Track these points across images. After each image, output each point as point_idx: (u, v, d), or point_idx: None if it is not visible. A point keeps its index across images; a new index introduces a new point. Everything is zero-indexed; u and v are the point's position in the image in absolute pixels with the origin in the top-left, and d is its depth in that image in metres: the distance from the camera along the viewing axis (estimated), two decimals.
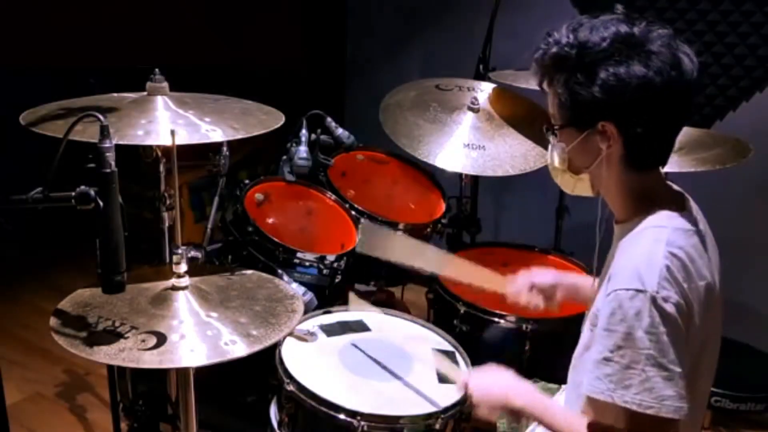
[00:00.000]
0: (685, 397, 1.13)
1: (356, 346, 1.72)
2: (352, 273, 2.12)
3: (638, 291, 1.13)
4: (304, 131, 2.18)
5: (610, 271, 1.23)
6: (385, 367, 1.65)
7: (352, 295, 1.78)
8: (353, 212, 2.18)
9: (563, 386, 1.53)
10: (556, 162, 1.33)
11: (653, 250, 1.17)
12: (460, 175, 2.38)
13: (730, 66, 2.81)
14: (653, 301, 1.12)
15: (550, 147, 1.35)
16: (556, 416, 1.30)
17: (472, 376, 1.49)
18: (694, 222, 1.26)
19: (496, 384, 1.42)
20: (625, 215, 1.30)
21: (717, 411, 2.06)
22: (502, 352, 1.98)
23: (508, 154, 2.19)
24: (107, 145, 1.17)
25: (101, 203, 1.16)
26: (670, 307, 1.13)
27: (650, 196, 1.26)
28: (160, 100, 1.56)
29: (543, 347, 1.91)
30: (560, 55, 1.21)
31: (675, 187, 1.35)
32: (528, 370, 1.78)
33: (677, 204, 1.27)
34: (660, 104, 1.18)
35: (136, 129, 1.44)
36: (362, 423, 1.44)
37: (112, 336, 1.29)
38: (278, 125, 1.62)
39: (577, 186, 1.35)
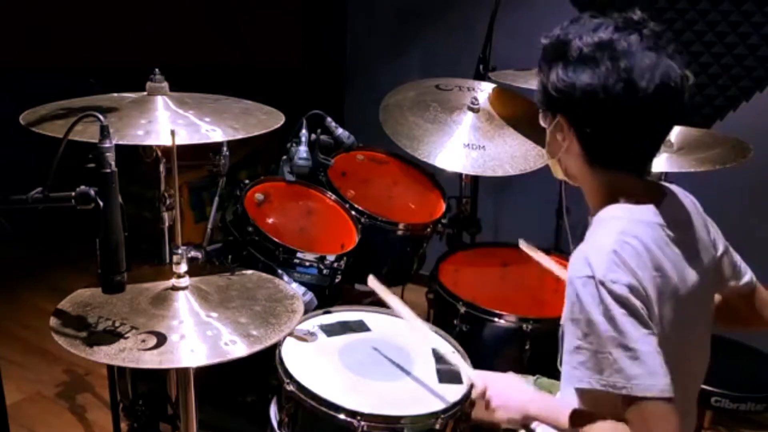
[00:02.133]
0: (658, 373, 1.14)
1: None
2: (352, 273, 2.12)
3: (588, 277, 1.16)
4: (304, 131, 2.18)
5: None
6: (384, 367, 1.65)
7: (371, 278, 1.77)
8: (353, 212, 2.18)
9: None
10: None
11: (604, 237, 1.21)
12: (460, 175, 2.38)
13: (730, 66, 2.80)
14: (602, 284, 1.15)
15: None
16: (563, 415, 1.30)
17: (490, 382, 1.47)
18: (664, 216, 1.26)
19: (515, 392, 1.42)
20: (594, 206, 1.32)
21: (717, 411, 2.06)
22: (502, 352, 1.98)
23: (508, 154, 2.19)
24: (107, 145, 1.17)
25: (101, 203, 1.16)
26: (620, 288, 1.15)
27: (619, 191, 1.28)
28: (160, 100, 1.56)
29: (543, 347, 1.90)
30: (543, 45, 1.29)
31: (662, 183, 1.36)
32: (528, 370, 1.79)
33: (649, 198, 1.28)
34: (605, 111, 1.21)
35: (136, 129, 1.44)
36: (362, 423, 1.44)
37: (112, 336, 1.29)
38: (278, 125, 1.62)
39: (557, 170, 1.39)
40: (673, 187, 1.38)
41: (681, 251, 1.27)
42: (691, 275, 1.28)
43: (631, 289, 1.16)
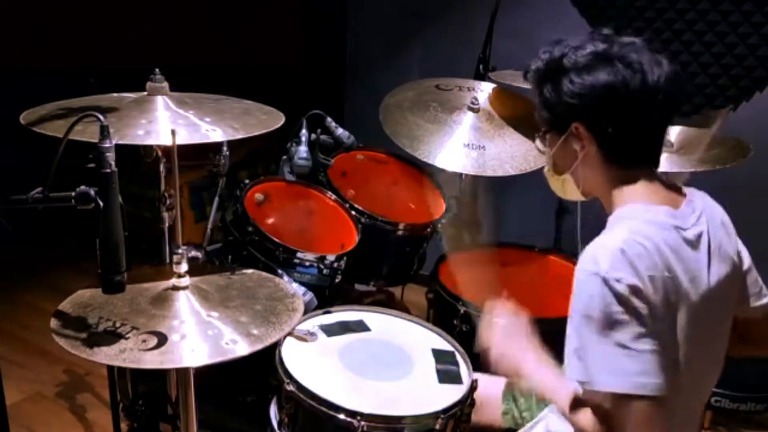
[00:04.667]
0: (651, 372, 1.15)
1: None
2: (352, 273, 2.12)
3: (593, 273, 1.17)
4: (304, 131, 2.18)
5: None
6: (384, 367, 1.66)
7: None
8: (353, 212, 2.18)
9: None
10: (545, 167, 1.44)
11: (615, 235, 1.22)
12: (460, 175, 2.38)
13: (730, 66, 2.81)
14: (605, 282, 1.16)
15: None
16: (558, 393, 1.31)
17: (498, 331, 1.47)
18: (680, 219, 1.27)
19: (514, 349, 1.42)
20: (612, 209, 1.33)
21: (717, 411, 2.06)
22: None
23: (508, 154, 2.19)
24: (107, 145, 1.17)
25: (101, 203, 1.16)
26: (622, 288, 1.15)
27: (635, 189, 1.30)
28: (160, 100, 1.56)
29: (543, 347, 1.91)
30: (535, 69, 1.34)
31: (680, 185, 1.36)
32: None
33: (666, 199, 1.30)
34: (625, 106, 1.25)
35: (136, 129, 1.44)
36: (362, 423, 1.44)
37: (112, 336, 1.29)
38: (278, 125, 1.62)
39: (566, 190, 1.42)
40: (701, 195, 1.38)
41: (696, 254, 1.27)
42: (707, 282, 1.28)
43: (634, 289, 1.16)
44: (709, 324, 1.32)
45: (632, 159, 1.31)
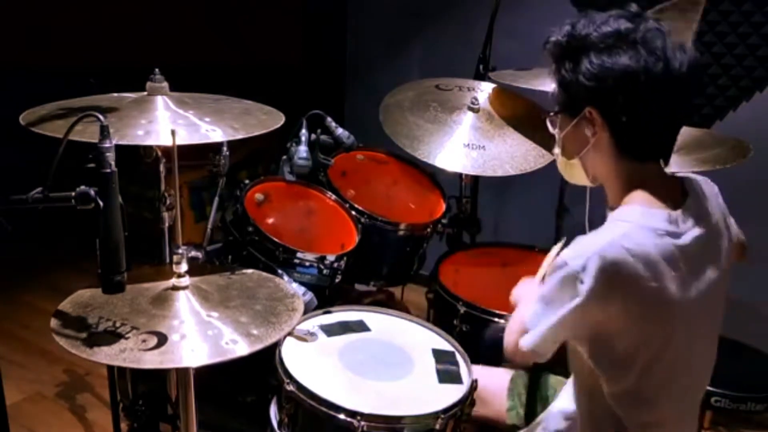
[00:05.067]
0: (537, 341, 1.27)
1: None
2: (352, 273, 2.12)
3: (566, 264, 1.21)
4: (304, 131, 2.18)
5: None
6: (384, 367, 1.66)
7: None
8: (353, 212, 2.18)
9: (568, 380, 1.54)
10: (555, 148, 1.41)
11: (604, 236, 1.22)
12: (460, 175, 2.38)
13: (730, 66, 2.80)
14: (573, 277, 1.20)
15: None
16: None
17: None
18: (678, 224, 1.25)
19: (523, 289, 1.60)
20: (616, 202, 1.32)
21: (717, 411, 2.06)
22: (503, 352, 1.98)
23: (508, 154, 2.19)
24: (107, 145, 1.17)
25: (101, 203, 1.16)
26: (583, 290, 1.19)
27: (641, 186, 1.28)
28: (160, 100, 1.56)
29: None
30: (555, 43, 1.28)
31: (685, 182, 1.35)
32: (528, 369, 1.79)
33: (668, 201, 1.27)
34: (643, 95, 1.21)
35: (136, 129, 1.44)
36: (362, 423, 1.44)
37: (112, 336, 1.29)
38: (278, 125, 1.62)
39: (573, 174, 1.40)
40: (696, 179, 1.37)
41: (694, 260, 1.26)
42: (703, 283, 1.28)
43: (594, 293, 1.19)
44: (702, 324, 1.33)
45: (644, 152, 1.28)
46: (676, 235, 1.24)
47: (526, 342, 1.30)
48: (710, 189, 1.38)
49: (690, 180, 1.35)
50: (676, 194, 1.31)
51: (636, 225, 1.23)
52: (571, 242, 1.26)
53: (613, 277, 1.18)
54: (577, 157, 1.35)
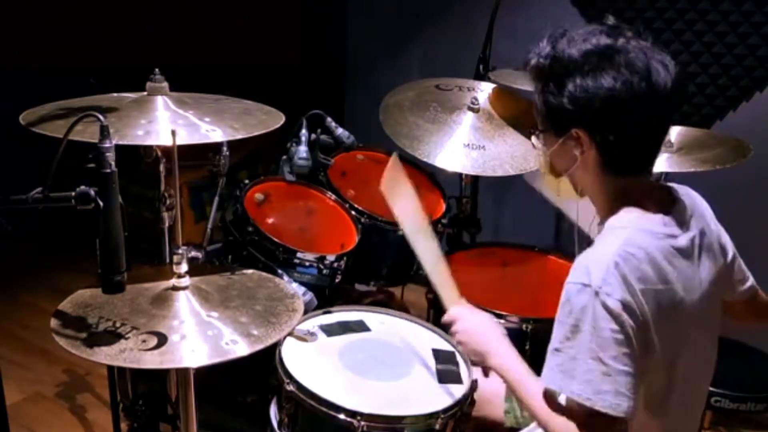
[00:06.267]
0: (625, 395, 1.15)
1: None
2: (352, 273, 2.12)
3: (585, 285, 1.17)
4: (304, 131, 2.18)
5: None
6: (384, 367, 1.65)
7: (394, 158, 1.75)
8: (353, 212, 2.18)
9: None
10: (540, 165, 1.41)
11: (607, 247, 1.20)
12: (460, 175, 2.38)
13: (730, 66, 2.81)
14: (596, 295, 1.15)
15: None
16: (526, 386, 1.32)
17: (462, 317, 1.53)
18: (673, 226, 1.25)
19: (483, 335, 1.47)
20: (605, 216, 1.31)
21: (717, 411, 2.06)
22: None
23: (508, 154, 2.19)
24: (107, 145, 1.17)
25: (101, 203, 1.16)
26: (613, 303, 1.14)
27: (629, 198, 1.28)
28: (160, 100, 1.56)
29: (543, 347, 1.90)
30: (537, 65, 1.28)
31: (672, 190, 1.35)
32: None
33: (659, 205, 1.27)
34: (629, 114, 1.20)
35: (136, 129, 1.44)
36: (362, 423, 1.44)
37: (112, 336, 1.29)
38: (278, 125, 1.62)
39: (562, 189, 1.39)
40: (685, 191, 1.37)
41: (689, 262, 1.26)
42: (699, 286, 1.28)
43: (625, 305, 1.15)
44: (704, 326, 1.32)
45: (631, 168, 1.28)
46: (673, 237, 1.24)
47: (614, 409, 1.14)
48: (695, 198, 1.38)
49: (676, 188, 1.36)
50: (665, 201, 1.31)
51: (635, 229, 1.22)
52: (572, 267, 1.22)
53: (631, 283, 1.16)
54: (565, 175, 1.35)
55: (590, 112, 1.21)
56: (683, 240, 1.26)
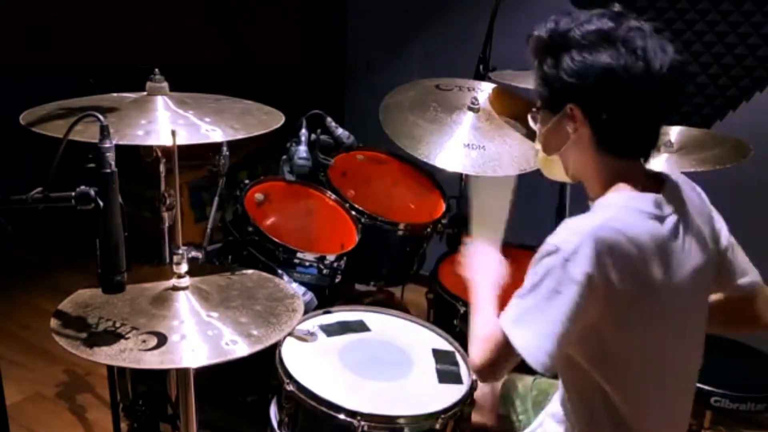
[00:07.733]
0: (547, 352, 1.19)
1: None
2: (352, 273, 2.12)
3: (557, 249, 1.19)
4: (304, 131, 2.18)
5: None
6: (384, 367, 1.66)
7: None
8: (353, 212, 2.18)
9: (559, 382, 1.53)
10: (536, 144, 1.42)
11: (591, 220, 1.22)
12: (460, 175, 2.38)
13: (730, 66, 2.81)
14: (565, 261, 1.18)
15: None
16: (481, 319, 1.39)
17: (476, 252, 1.61)
18: (664, 208, 1.26)
19: (477, 263, 1.57)
20: (596, 198, 1.32)
21: (717, 411, 2.06)
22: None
23: (508, 154, 2.19)
24: (107, 145, 1.17)
25: (101, 203, 1.16)
26: (577, 273, 1.17)
27: (620, 178, 1.29)
28: (160, 100, 1.56)
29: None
30: (537, 38, 1.29)
31: (663, 175, 1.35)
32: (528, 370, 1.79)
33: (652, 188, 1.29)
34: (623, 92, 1.22)
35: (136, 129, 1.44)
36: (362, 423, 1.44)
37: (112, 336, 1.29)
38: (278, 125, 1.62)
39: (553, 169, 1.41)
40: (679, 178, 1.37)
41: (678, 245, 1.27)
42: (686, 270, 1.28)
43: (589, 277, 1.17)
44: (687, 310, 1.33)
45: (624, 149, 1.29)
46: (662, 219, 1.25)
47: (520, 343, 1.22)
48: (685, 184, 1.39)
49: (669, 176, 1.36)
50: (655, 184, 1.31)
51: (623, 207, 1.24)
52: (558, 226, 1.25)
53: (608, 259, 1.18)
54: (557, 153, 1.36)
55: (585, 87, 1.23)
56: (670, 222, 1.26)
